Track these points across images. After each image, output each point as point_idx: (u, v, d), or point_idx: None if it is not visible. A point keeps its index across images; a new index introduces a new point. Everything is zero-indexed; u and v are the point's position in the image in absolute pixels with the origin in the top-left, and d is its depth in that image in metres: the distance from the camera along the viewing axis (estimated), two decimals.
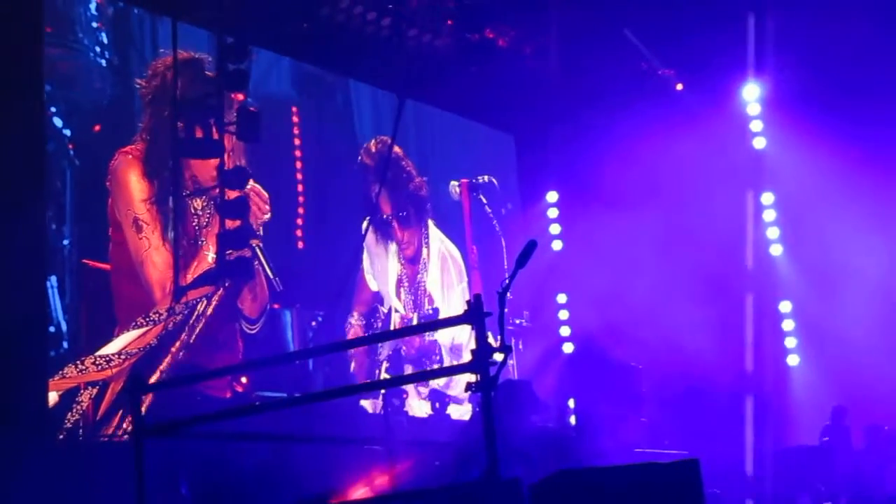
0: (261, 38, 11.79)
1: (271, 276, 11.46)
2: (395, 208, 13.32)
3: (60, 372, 10.02)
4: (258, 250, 11.35)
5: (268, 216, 11.61)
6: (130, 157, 10.86)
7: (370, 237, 13.05)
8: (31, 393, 9.29)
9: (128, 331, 10.55)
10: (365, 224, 12.81)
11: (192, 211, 11.19)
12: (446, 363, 13.09)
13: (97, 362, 10.24)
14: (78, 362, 10.16)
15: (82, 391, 10.16)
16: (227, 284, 11.21)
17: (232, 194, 11.08)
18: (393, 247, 13.34)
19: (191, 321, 10.98)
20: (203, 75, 11.11)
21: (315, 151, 12.81)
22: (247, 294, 11.46)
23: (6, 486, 8.36)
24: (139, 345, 10.54)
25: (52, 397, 9.80)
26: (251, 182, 11.40)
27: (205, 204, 11.20)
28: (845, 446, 12.29)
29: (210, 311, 11.13)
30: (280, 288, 11.51)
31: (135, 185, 10.82)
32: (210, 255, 11.09)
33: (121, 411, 10.16)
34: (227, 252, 11.07)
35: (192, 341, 10.97)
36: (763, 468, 12.59)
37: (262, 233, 11.56)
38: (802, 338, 13.94)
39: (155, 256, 10.79)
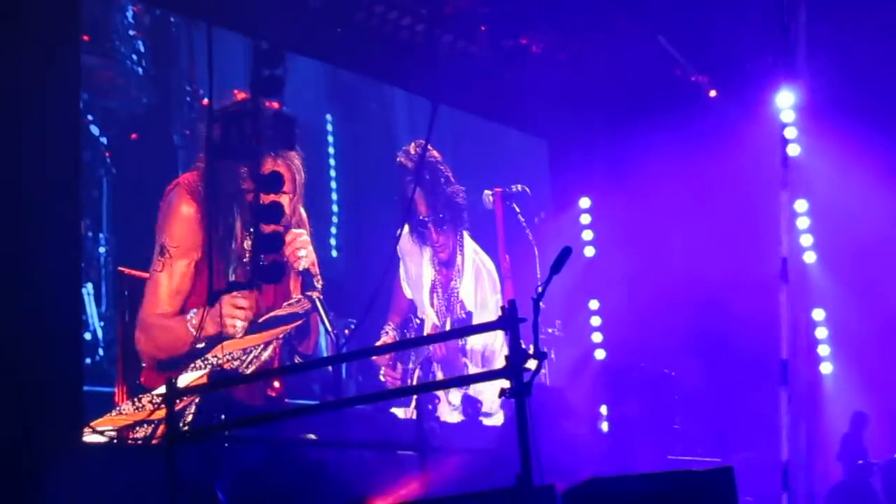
0: (295, 44, 11.81)
1: (329, 329, 11.41)
2: (432, 210, 13.31)
3: (117, 408, 10.03)
4: (318, 302, 11.30)
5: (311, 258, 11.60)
6: (182, 188, 10.82)
7: (406, 241, 13.02)
8: (66, 400, 9.34)
9: (185, 372, 10.47)
10: (403, 230, 12.79)
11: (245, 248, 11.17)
12: (473, 371, 13.03)
13: (154, 401, 10.09)
14: (135, 399, 10.13)
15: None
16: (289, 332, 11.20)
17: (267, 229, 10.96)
18: (428, 251, 13.33)
19: (245, 363, 10.99)
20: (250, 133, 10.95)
21: (349, 159, 12.84)
22: (303, 343, 11.48)
23: (39, 490, 8.40)
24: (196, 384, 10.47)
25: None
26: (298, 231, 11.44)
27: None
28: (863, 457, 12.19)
29: (265, 355, 11.14)
30: (337, 340, 11.46)
31: (184, 212, 10.79)
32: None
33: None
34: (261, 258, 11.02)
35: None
36: (797, 463, 12.49)
37: (320, 284, 11.52)
38: (835, 346, 13.86)
39: (179, 282, 10.70)
